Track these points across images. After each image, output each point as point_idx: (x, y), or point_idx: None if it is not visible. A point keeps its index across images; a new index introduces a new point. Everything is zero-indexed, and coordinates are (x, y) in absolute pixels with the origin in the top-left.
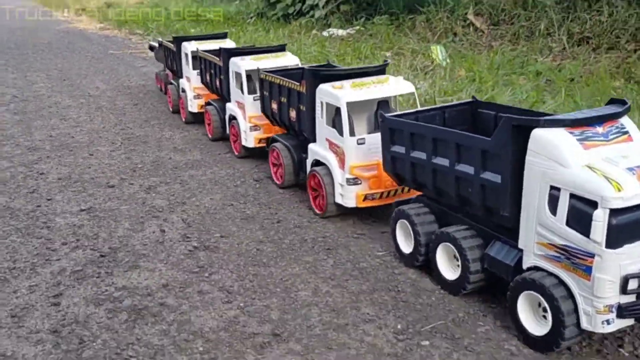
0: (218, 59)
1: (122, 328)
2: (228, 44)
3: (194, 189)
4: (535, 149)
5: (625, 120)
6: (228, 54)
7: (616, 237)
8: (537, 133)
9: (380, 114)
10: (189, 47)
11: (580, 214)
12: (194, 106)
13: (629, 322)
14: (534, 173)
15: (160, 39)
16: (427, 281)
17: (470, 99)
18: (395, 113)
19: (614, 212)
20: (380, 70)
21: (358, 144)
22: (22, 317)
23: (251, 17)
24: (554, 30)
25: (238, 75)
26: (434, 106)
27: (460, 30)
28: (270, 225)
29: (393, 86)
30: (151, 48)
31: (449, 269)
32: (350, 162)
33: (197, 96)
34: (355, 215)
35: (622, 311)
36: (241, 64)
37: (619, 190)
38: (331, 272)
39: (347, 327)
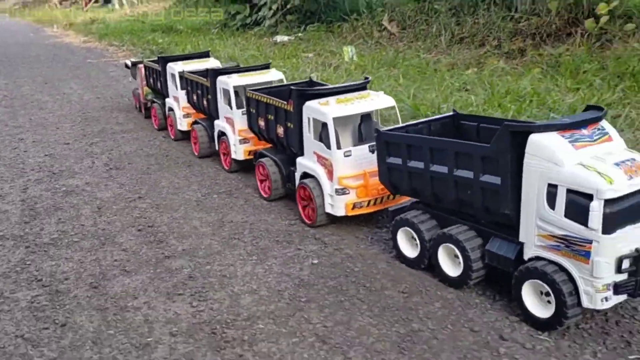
0: (205, 79)
1: (58, 197)
2: (212, 62)
3: (121, 143)
4: (532, 151)
5: (604, 123)
6: (215, 73)
7: (610, 224)
8: (533, 138)
9: (375, 129)
10: (175, 68)
11: (578, 206)
12: (183, 124)
13: (623, 297)
14: (533, 173)
15: (133, 59)
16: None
17: (452, 112)
18: (388, 127)
19: (607, 202)
20: (362, 87)
21: (345, 156)
22: (4, 197)
23: (216, 28)
24: (442, 31)
25: (226, 91)
26: (420, 120)
27: (377, 34)
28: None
29: (375, 101)
30: (127, 66)
31: (451, 267)
32: (339, 173)
33: (186, 115)
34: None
35: (617, 288)
36: (229, 81)
37: (611, 183)
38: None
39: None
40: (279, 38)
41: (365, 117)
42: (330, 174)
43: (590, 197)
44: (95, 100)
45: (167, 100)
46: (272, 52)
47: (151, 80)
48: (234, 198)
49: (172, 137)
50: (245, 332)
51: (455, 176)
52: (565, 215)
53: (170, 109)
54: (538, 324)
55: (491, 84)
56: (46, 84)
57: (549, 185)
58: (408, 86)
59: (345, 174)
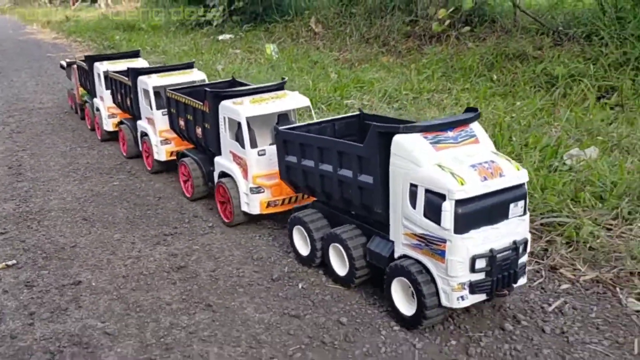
0: (127, 79)
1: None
2: (140, 62)
3: (32, 116)
4: (396, 152)
5: (474, 126)
6: (136, 73)
7: (462, 224)
8: (397, 138)
9: (274, 127)
10: (101, 67)
11: (433, 205)
12: (109, 125)
13: (481, 297)
14: (397, 173)
15: (68, 60)
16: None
17: (357, 112)
18: (287, 126)
19: (459, 203)
20: (279, 87)
21: (259, 155)
22: None
23: (175, 26)
24: (353, 32)
25: (146, 92)
26: (324, 119)
27: (304, 33)
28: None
29: (289, 101)
30: (62, 67)
31: (340, 266)
32: (253, 172)
33: (112, 115)
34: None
35: (473, 288)
36: (148, 82)
37: (462, 184)
38: None
39: None
40: (222, 37)
41: (283, 117)
42: (245, 172)
43: (443, 197)
44: (34, 86)
45: (94, 100)
46: (206, 48)
47: (82, 80)
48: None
49: (99, 137)
50: (42, 218)
51: (339, 175)
52: (424, 215)
53: (97, 109)
54: (403, 321)
55: (356, 76)
56: (0, 72)
57: (411, 185)
58: (297, 76)
59: (259, 173)
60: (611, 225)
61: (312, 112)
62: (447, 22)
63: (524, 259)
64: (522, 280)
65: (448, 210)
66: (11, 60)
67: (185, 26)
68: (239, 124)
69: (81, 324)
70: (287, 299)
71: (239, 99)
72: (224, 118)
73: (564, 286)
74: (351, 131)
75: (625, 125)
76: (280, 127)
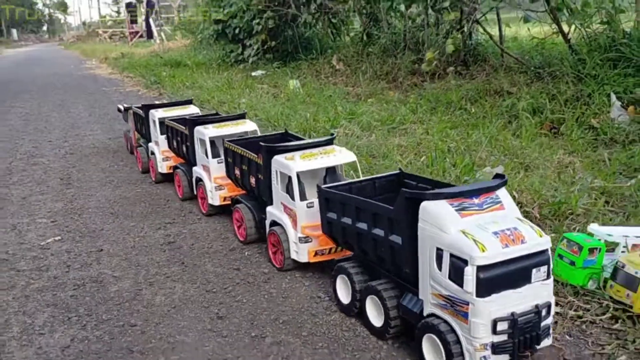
0: (184, 127)
1: (28, 165)
2: (192, 109)
3: (87, 134)
4: (424, 217)
5: (500, 192)
6: (193, 123)
7: (484, 288)
8: (424, 205)
9: (317, 185)
10: (156, 114)
11: (457, 269)
12: (163, 167)
13: (505, 357)
14: (425, 237)
15: (125, 105)
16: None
17: (397, 171)
18: (329, 184)
19: (480, 268)
20: (329, 142)
21: (307, 207)
22: None
23: (216, 63)
24: (368, 69)
25: (202, 142)
26: (365, 177)
27: (327, 70)
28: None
29: (337, 156)
30: (119, 110)
31: (375, 317)
32: (302, 222)
33: (166, 159)
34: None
35: (495, 348)
36: (205, 132)
37: (483, 251)
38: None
39: None
40: (255, 73)
41: (330, 170)
42: (295, 223)
43: (466, 262)
44: (87, 117)
45: (149, 144)
46: (238, 83)
47: (138, 126)
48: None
49: (153, 179)
50: (82, 212)
51: (372, 234)
52: (449, 277)
53: (152, 153)
54: None
55: (350, 109)
56: (60, 105)
57: (437, 248)
58: (305, 109)
59: (307, 224)
60: None
61: (358, 165)
62: (434, 63)
63: (547, 321)
64: (546, 342)
65: (470, 275)
66: (71, 93)
67: (226, 63)
68: (290, 177)
69: (98, 272)
70: (235, 260)
71: (290, 154)
72: (276, 171)
73: None
74: (391, 189)
75: (550, 150)
76: (323, 186)
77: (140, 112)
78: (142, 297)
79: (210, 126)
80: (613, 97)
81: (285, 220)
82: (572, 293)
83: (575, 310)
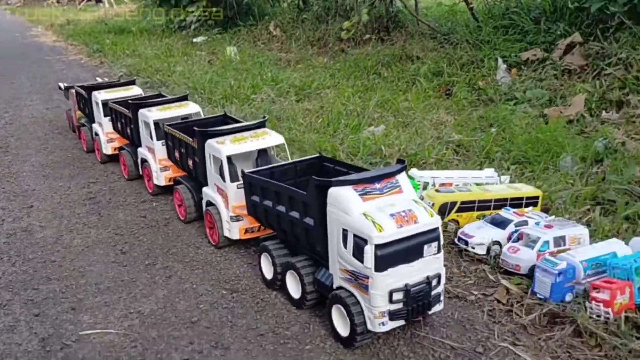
0: (128, 110)
1: None
2: (135, 90)
3: (22, 107)
4: (331, 201)
5: (400, 177)
6: (137, 106)
7: (382, 264)
8: (332, 191)
9: (242, 170)
10: (99, 96)
11: (359, 247)
12: (108, 149)
13: (400, 322)
14: (332, 219)
15: (66, 84)
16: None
17: (317, 154)
18: (252, 169)
19: (377, 247)
20: (260, 125)
21: (238, 188)
22: None
23: (161, 29)
24: (301, 35)
25: (147, 124)
26: (287, 161)
27: (265, 37)
28: None
29: (266, 139)
30: (60, 88)
31: (294, 290)
32: (232, 203)
33: (110, 140)
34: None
35: (392, 315)
36: (149, 115)
37: (381, 231)
38: None
39: None
40: (197, 39)
41: (262, 152)
42: (226, 202)
43: (366, 241)
44: (28, 87)
45: (93, 125)
46: (177, 51)
47: (80, 105)
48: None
49: (99, 159)
50: (17, 176)
51: (289, 216)
52: (353, 255)
53: (97, 134)
54: (340, 340)
55: (273, 75)
56: (3, 75)
57: (343, 229)
58: (234, 77)
59: (238, 204)
60: None
61: (286, 148)
62: (352, 31)
63: (438, 289)
64: (437, 307)
65: (369, 252)
66: (15, 62)
67: (169, 29)
68: (221, 160)
69: (28, 223)
70: (143, 210)
71: (222, 138)
72: (209, 155)
73: None
74: (311, 171)
75: (434, 110)
76: (246, 171)
77: (83, 92)
78: (62, 241)
79: (154, 109)
80: (500, 60)
81: (219, 200)
82: None
83: None
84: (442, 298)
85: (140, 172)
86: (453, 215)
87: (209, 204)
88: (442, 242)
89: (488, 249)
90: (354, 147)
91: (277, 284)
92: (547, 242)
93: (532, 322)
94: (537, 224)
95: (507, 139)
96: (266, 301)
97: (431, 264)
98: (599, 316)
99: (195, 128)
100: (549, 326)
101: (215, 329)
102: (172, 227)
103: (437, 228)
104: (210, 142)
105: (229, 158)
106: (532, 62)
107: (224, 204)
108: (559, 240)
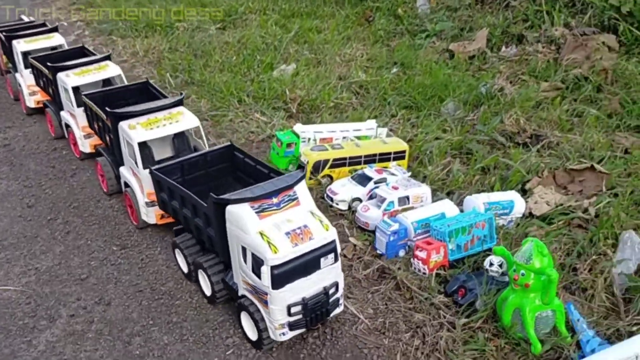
0: (48, 71)
1: None
2: (57, 39)
3: None
4: (230, 218)
5: (298, 188)
6: (55, 69)
7: (278, 282)
8: (229, 208)
9: (149, 168)
10: (19, 47)
11: (258, 265)
12: (31, 102)
13: (300, 331)
14: (232, 235)
15: None
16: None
17: (228, 144)
18: (162, 165)
19: (273, 267)
20: (178, 103)
21: (150, 173)
22: None
23: None
24: None
25: (66, 90)
26: (197, 153)
27: None
28: None
29: (180, 123)
30: None
31: (206, 287)
32: (147, 189)
33: (33, 93)
34: None
35: (291, 326)
36: (67, 81)
37: (276, 252)
38: None
39: None
40: None
41: (178, 134)
42: (141, 187)
43: (262, 261)
44: None
45: (16, 74)
46: None
47: (4, 50)
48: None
49: (24, 111)
50: None
51: (194, 221)
52: (252, 271)
53: (20, 84)
54: (251, 343)
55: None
56: None
57: (242, 246)
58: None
59: (151, 190)
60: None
61: (202, 131)
62: None
63: (337, 295)
64: (336, 311)
65: (265, 272)
66: None
67: None
68: (133, 146)
69: None
70: (53, 159)
71: (133, 122)
72: (123, 138)
73: None
74: (222, 160)
75: (347, 44)
76: (154, 168)
77: (3, 38)
78: None
79: (72, 73)
80: None
81: (134, 184)
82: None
83: None
84: (341, 302)
85: (66, 135)
86: (327, 171)
87: (127, 185)
88: (339, 251)
89: (349, 205)
90: (259, 91)
91: (194, 278)
92: (392, 202)
93: (366, 277)
94: (387, 184)
95: (404, 81)
96: (150, 257)
97: (328, 273)
98: (419, 271)
99: (107, 109)
100: (379, 280)
101: (101, 285)
102: (77, 179)
103: (334, 240)
104: (123, 126)
105: (141, 143)
106: None
107: (139, 188)
108: (404, 200)
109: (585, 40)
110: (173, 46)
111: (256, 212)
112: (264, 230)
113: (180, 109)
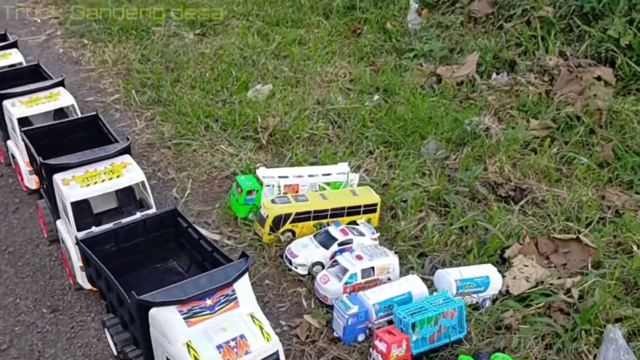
0: None
1: None
2: (14, 57)
3: None
4: (153, 324)
5: (238, 284)
6: (1, 97)
7: None
8: (153, 312)
9: (76, 237)
10: None
11: None
12: None
13: None
14: (156, 342)
15: None
16: None
17: (171, 207)
18: (94, 234)
19: None
20: (125, 151)
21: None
22: None
23: None
24: None
25: (11, 120)
26: (135, 219)
27: None
28: None
29: (123, 177)
30: None
31: None
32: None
33: None
34: None
35: None
36: (13, 111)
37: None
38: None
39: None
40: None
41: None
42: (77, 250)
43: None
44: None
45: None
46: None
47: None
48: None
49: None
50: None
51: (121, 312)
52: None
53: None
54: None
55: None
56: None
57: (166, 357)
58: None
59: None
60: None
61: (148, 187)
62: None
63: None
64: None
65: None
66: None
67: None
68: (66, 205)
69: None
70: None
71: (68, 176)
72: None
73: None
74: (165, 226)
75: (331, 62)
76: (80, 238)
77: None
78: None
79: (18, 102)
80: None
81: (70, 244)
82: (234, 224)
83: (227, 239)
84: None
85: (13, 165)
86: (289, 225)
87: (63, 240)
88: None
89: (309, 270)
90: (229, 116)
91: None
92: (355, 274)
93: None
94: (352, 252)
95: (385, 112)
96: (81, 325)
97: None
98: None
99: (41, 161)
100: None
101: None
102: (19, 215)
103: (276, 352)
104: (56, 180)
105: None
106: (443, 3)
107: (74, 250)
108: (369, 271)
109: (581, 73)
110: (146, 54)
111: (185, 318)
112: (191, 341)
113: (126, 158)
